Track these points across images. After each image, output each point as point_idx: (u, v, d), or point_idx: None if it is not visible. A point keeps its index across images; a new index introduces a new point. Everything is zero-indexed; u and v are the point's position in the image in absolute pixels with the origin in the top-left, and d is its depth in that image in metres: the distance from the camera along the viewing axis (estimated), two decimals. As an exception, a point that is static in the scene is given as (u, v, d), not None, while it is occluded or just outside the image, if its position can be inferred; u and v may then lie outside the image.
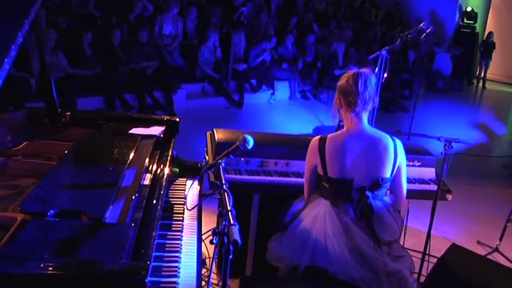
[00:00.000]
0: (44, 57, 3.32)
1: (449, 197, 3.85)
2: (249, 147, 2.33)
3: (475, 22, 15.58)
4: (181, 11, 9.95)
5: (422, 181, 3.91)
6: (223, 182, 2.14)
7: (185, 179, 3.23)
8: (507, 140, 10.05)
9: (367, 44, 12.31)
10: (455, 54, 14.17)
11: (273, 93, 10.50)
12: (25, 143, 3.06)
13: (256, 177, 3.60)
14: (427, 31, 6.80)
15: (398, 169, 2.97)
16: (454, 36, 15.40)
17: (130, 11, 9.12)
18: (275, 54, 10.80)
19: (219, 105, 9.64)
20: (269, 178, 3.62)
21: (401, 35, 6.43)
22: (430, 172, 3.99)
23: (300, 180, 3.59)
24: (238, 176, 3.60)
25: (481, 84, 15.74)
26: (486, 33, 15.93)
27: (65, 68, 7.59)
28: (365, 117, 2.96)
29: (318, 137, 3.01)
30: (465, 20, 15.57)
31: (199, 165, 3.44)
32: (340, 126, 3.36)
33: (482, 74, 15.67)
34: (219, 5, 10.98)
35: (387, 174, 2.92)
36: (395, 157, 2.93)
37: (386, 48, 6.21)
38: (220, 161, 2.34)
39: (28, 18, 2.28)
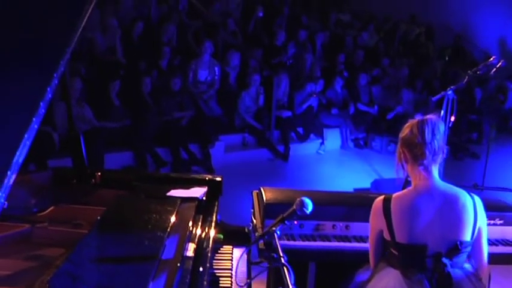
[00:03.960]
0: (71, 110, 3.39)
1: (540, 259, 3.69)
2: (308, 211, 2.30)
3: (551, 51, 15.33)
4: (217, 54, 10.11)
5: (506, 243, 3.77)
6: (281, 254, 2.09)
7: (231, 246, 3.18)
8: None
9: (424, 82, 12.24)
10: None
11: (322, 143, 10.45)
12: (51, 207, 3.08)
13: (312, 243, 3.55)
14: (498, 65, 6.68)
15: (479, 231, 2.87)
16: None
17: (161, 56, 9.31)
18: (323, 99, 10.82)
19: (262, 158, 9.62)
20: (326, 244, 3.56)
21: (469, 71, 6.32)
22: (513, 231, 3.85)
23: (362, 245, 3.51)
24: (291, 242, 3.56)
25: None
26: None
27: (91, 121, 7.75)
28: (435, 170, 2.89)
29: (382, 197, 2.94)
30: (538, 50, 15.33)
31: (246, 230, 3.41)
32: (407, 182, 3.29)
33: None
34: (259, 45, 11.12)
35: (467, 237, 2.81)
36: (476, 217, 2.83)
37: (452, 87, 6.12)
38: (274, 228, 2.30)
39: (57, 71, 2.31)
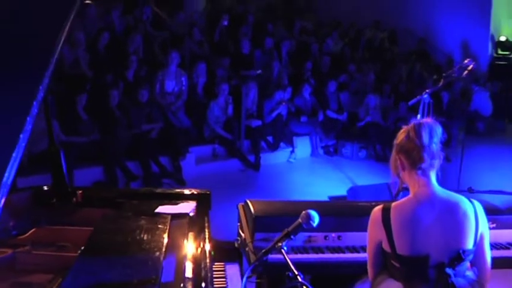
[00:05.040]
0: (51, 125, 3.25)
1: (535, 262, 3.67)
2: (314, 224, 2.22)
3: (511, 53, 15.63)
4: (184, 65, 10.00)
5: (500, 246, 3.74)
6: (297, 272, 1.98)
7: (223, 263, 3.08)
8: None
9: (391, 87, 12.33)
10: (494, 91, 14.14)
11: (292, 151, 10.41)
12: (32, 230, 2.96)
13: (304, 256, 3.45)
14: (470, 67, 6.74)
15: (481, 237, 2.82)
16: (489, 71, 15.41)
17: (127, 67, 9.15)
18: (292, 107, 10.78)
19: (233, 169, 9.51)
20: (320, 256, 3.47)
21: (444, 74, 6.37)
22: (507, 235, 3.82)
23: (356, 256, 3.44)
24: (282, 256, 3.44)
25: (525, 122, 15.61)
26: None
27: (58, 136, 7.52)
28: (433, 176, 2.83)
29: (380, 206, 2.86)
30: (499, 51, 15.63)
31: (236, 245, 3.30)
32: (403, 189, 3.22)
33: (527, 110, 15.56)
34: (226, 54, 11.04)
35: (469, 245, 2.75)
36: (477, 223, 2.78)
37: (427, 91, 6.15)
38: (280, 243, 2.20)
39: (42, 84, 2.22)
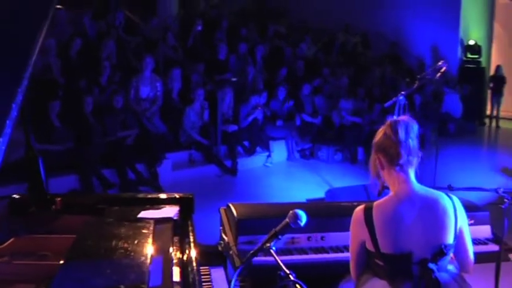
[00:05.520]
0: (28, 130, 3.18)
1: (512, 256, 3.72)
2: (302, 224, 2.20)
3: (480, 56, 15.88)
4: (158, 70, 9.93)
5: (478, 242, 3.78)
6: (288, 271, 1.97)
7: (208, 267, 3.04)
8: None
9: (365, 90, 12.42)
10: (463, 93, 14.35)
11: (269, 155, 10.41)
12: (11, 240, 2.88)
13: (288, 257, 3.43)
14: (443, 69, 6.82)
15: (461, 231, 2.84)
16: (459, 74, 15.63)
17: (100, 73, 9.06)
18: (267, 111, 10.79)
19: (210, 174, 9.47)
20: (303, 257, 3.46)
21: (418, 76, 6.44)
22: (485, 230, 3.86)
23: (340, 255, 3.44)
24: (266, 258, 3.41)
25: (494, 123, 15.87)
26: (493, 67, 16.20)
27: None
28: (412, 173, 2.83)
29: (362, 206, 2.86)
30: (469, 55, 15.86)
31: (219, 248, 3.27)
32: (384, 188, 3.23)
33: (495, 112, 15.81)
34: (200, 60, 11.00)
35: (450, 239, 2.78)
36: (456, 218, 2.80)
37: (403, 93, 6.20)
38: (268, 244, 2.18)
39: (21, 86, 2.17)
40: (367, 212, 2.79)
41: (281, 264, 2.03)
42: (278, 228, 2.19)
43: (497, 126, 15.77)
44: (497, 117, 15.81)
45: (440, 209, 2.77)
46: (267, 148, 10.44)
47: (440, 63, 6.63)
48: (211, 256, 3.18)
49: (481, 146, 13.56)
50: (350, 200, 6.06)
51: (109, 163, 8.16)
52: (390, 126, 2.80)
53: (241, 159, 9.96)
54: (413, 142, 2.79)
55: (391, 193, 2.83)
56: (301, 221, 2.16)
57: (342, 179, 9.30)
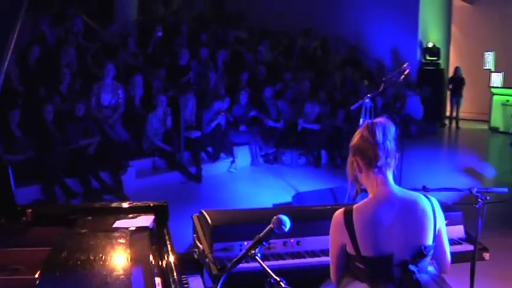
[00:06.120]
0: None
1: (486, 255, 3.77)
2: (286, 229, 2.18)
3: (439, 58, 16.17)
4: (120, 77, 9.82)
5: (452, 242, 3.81)
6: (278, 279, 1.95)
7: (185, 276, 2.99)
8: (503, 182, 10.13)
9: (327, 94, 12.51)
10: (424, 95, 14.59)
11: (233, 161, 10.39)
12: (-20, 254, 2.78)
13: (265, 263, 3.38)
14: (407, 72, 6.90)
15: (439, 232, 2.87)
16: (419, 76, 15.89)
17: (60, 81, 8.91)
18: (230, 116, 10.77)
19: (175, 181, 9.40)
20: (280, 262, 3.45)
21: (384, 78, 6.51)
22: (458, 230, 3.90)
23: (317, 260, 3.44)
24: (241, 265, 3.39)
25: (454, 124, 16.18)
26: (452, 69, 16.54)
27: (-9, 155, 7.25)
28: (390, 175, 2.84)
29: (342, 209, 2.85)
30: (428, 57, 16.14)
31: (195, 256, 3.23)
32: (361, 191, 3.24)
33: (455, 114, 16.13)
34: (161, 66, 10.92)
35: (429, 240, 2.80)
36: (435, 219, 2.83)
37: (369, 95, 6.26)
38: (253, 251, 2.16)
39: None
40: (347, 215, 2.78)
41: (269, 271, 2.01)
42: (262, 234, 2.17)
43: (458, 127, 16.11)
44: (457, 118, 16.16)
45: (419, 210, 2.78)
46: (230, 154, 10.41)
47: (405, 65, 6.70)
48: (187, 264, 3.13)
49: (442, 147, 13.80)
50: (317, 204, 6.09)
51: (72, 172, 8.04)
52: (367, 128, 2.80)
53: (205, 165, 9.90)
54: (390, 144, 2.79)
55: (370, 196, 2.84)
56: (286, 227, 2.14)
57: (306, 183, 9.32)
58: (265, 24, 15.54)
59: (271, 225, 2.14)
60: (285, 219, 2.14)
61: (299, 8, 15.92)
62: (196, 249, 3.59)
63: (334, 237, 2.86)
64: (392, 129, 2.84)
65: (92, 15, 11.80)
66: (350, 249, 2.77)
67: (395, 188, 2.83)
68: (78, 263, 2.45)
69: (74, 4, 11.66)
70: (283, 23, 15.35)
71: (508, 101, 15.18)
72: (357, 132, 2.89)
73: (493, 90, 15.96)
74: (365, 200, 2.86)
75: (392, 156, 2.80)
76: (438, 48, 16.10)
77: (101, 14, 12.34)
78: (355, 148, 2.85)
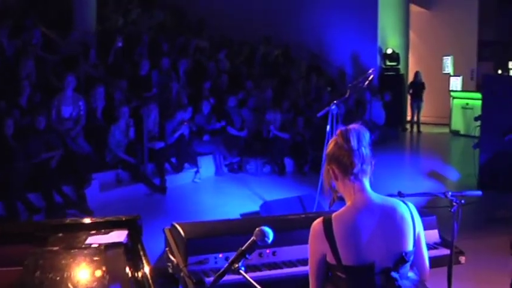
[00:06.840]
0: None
1: (462, 259, 3.79)
2: (269, 241, 2.14)
3: (398, 64, 16.40)
4: (80, 88, 9.66)
5: (429, 247, 3.81)
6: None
7: (161, 291, 2.93)
8: (467, 184, 10.26)
9: (290, 102, 12.54)
10: (386, 100, 14.76)
11: (197, 171, 10.32)
12: None
13: (241, 276, 3.34)
14: (371, 77, 6.95)
15: (419, 238, 2.86)
16: (379, 81, 16.07)
17: (20, 94, 8.72)
18: (193, 126, 10.70)
19: (139, 193, 9.26)
20: (257, 274, 3.40)
21: (350, 85, 6.54)
22: (433, 235, 3.92)
23: (294, 270, 3.41)
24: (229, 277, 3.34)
25: (415, 128, 16.41)
26: (411, 73, 16.79)
27: None
28: (367, 182, 2.82)
29: (321, 218, 2.81)
30: (387, 63, 16.35)
31: (170, 270, 3.17)
32: (335, 199, 3.21)
33: (416, 118, 16.36)
34: (122, 76, 10.80)
35: (410, 246, 2.78)
36: (414, 224, 2.82)
37: (335, 102, 6.27)
38: (237, 264, 2.10)
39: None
40: (327, 224, 2.74)
41: (256, 284, 1.96)
42: (245, 247, 2.12)
43: (419, 131, 16.36)
44: (418, 123, 16.39)
45: (398, 216, 2.76)
46: (194, 164, 10.34)
47: (370, 71, 6.75)
48: (162, 279, 3.07)
49: (405, 152, 13.97)
50: (286, 212, 6.06)
51: (34, 187, 7.84)
52: (341, 135, 2.77)
53: (170, 176, 9.81)
54: (366, 150, 2.76)
55: (348, 204, 2.80)
56: (269, 238, 2.10)
57: (271, 192, 9.32)
58: (226, 32, 15.53)
59: (253, 238, 2.09)
60: (268, 231, 2.10)
61: (260, 16, 15.94)
62: (169, 263, 3.51)
63: (314, 247, 2.81)
64: (366, 135, 2.81)
65: (50, 26, 11.60)
66: (330, 259, 2.73)
67: (373, 195, 2.81)
68: (53, 283, 2.37)
69: (32, 15, 11.46)
70: (245, 32, 15.35)
71: (467, 104, 15.46)
72: (331, 140, 2.86)
73: (452, 94, 16.28)
74: (343, 208, 2.83)
75: (368, 162, 2.78)
76: (397, 54, 16.31)
77: (60, 25, 12.10)
78: (330, 156, 2.82)
